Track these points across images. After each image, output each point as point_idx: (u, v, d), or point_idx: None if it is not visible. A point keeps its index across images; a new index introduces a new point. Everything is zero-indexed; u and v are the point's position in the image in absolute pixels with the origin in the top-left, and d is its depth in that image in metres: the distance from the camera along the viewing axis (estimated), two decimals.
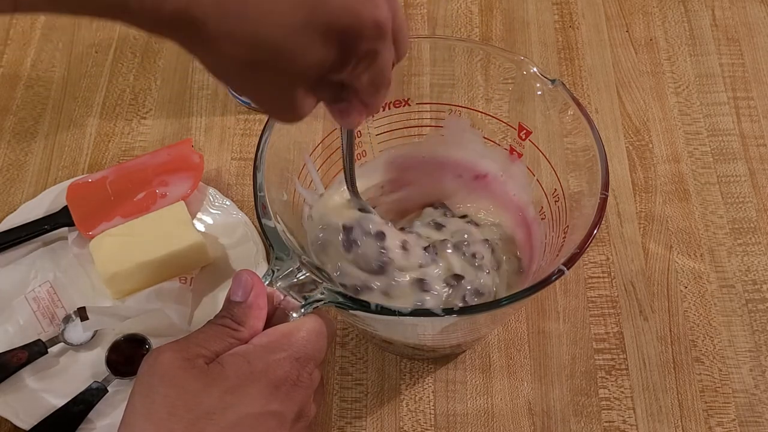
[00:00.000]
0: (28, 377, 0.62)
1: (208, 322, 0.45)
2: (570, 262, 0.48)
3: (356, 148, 0.62)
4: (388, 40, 0.40)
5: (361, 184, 0.63)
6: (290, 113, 0.42)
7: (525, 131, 0.59)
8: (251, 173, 0.52)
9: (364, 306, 0.46)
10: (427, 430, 0.61)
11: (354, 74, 0.41)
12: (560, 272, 0.47)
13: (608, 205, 0.70)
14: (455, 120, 0.61)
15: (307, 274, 0.47)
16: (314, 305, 0.46)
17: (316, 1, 0.36)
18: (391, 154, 0.63)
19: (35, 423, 0.59)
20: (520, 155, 0.60)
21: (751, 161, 0.73)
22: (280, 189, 0.54)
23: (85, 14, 0.36)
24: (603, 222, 0.69)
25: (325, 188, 0.61)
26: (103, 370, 0.61)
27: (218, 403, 0.41)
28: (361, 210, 0.56)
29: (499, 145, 0.61)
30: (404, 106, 0.61)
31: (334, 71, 0.40)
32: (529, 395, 0.62)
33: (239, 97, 0.76)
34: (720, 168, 0.73)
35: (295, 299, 0.46)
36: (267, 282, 0.46)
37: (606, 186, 0.51)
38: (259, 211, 0.49)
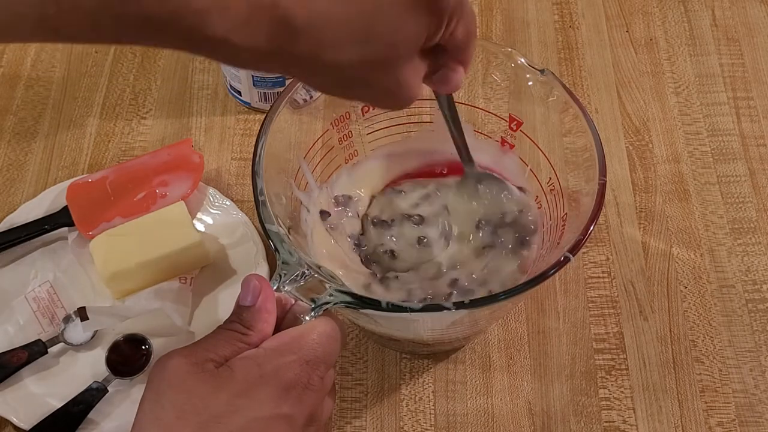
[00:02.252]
0: (28, 377, 0.61)
1: (218, 327, 0.45)
2: (575, 249, 0.48)
3: (348, 148, 0.62)
4: None
5: (354, 185, 0.63)
6: (403, 98, 0.44)
7: (516, 122, 0.59)
8: (251, 173, 0.52)
9: (375, 304, 0.46)
10: (427, 430, 0.61)
11: (450, 31, 0.42)
12: (566, 259, 0.48)
13: (608, 205, 0.70)
14: None
15: (315, 276, 0.46)
16: (323, 307, 0.46)
17: None
18: (383, 151, 0.63)
19: (35, 423, 0.59)
20: (512, 146, 0.60)
21: (751, 161, 0.73)
22: (279, 192, 0.54)
23: (172, 46, 0.37)
24: (603, 222, 0.69)
25: (320, 189, 0.61)
26: (103, 370, 0.61)
27: (227, 407, 0.40)
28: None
29: (489, 137, 0.61)
30: None
31: (431, 38, 0.41)
32: (529, 395, 0.62)
33: (239, 96, 0.76)
34: (720, 168, 0.73)
35: (305, 302, 0.46)
36: (275, 287, 0.46)
37: (603, 172, 0.51)
38: (262, 216, 0.49)
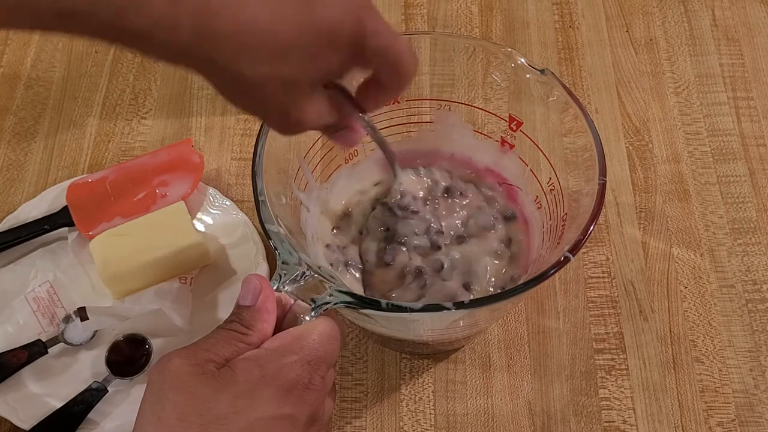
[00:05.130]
0: (28, 377, 0.62)
1: (217, 327, 0.45)
2: (575, 249, 0.48)
3: (348, 148, 0.62)
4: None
5: (354, 185, 0.63)
6: (293, 122, 0.44)
7: (516, 122, 0.59)
8: (251, 173, 0.52)
9: (375, 305, 0.46)
10: (427, 430, 0.61)
11: (374, 65, 0.44)
12: (566, 259, 0.48)
13: (608, 205, 0.70)
14: (445, 115, 0.61)
15: (315, 276, 0.46)
16: (323, 307, 0.46)
17: (312, 14, 0.39)
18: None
19: (35, 423, 0.59)
20: (512, 146, 0.60)
21: (751, 161, 0.73)
22: (279, 192, 0.54)
23: (92, 37, 0.37)
24: (603, 222, 0.69)
25: (320, 189, 0.61)
26: (103, 370, 0.61)
27: (229, 408, 0.40)
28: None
29: (489, 137, 0.61)
30: (394, 104, 0.61)
31: (345, 69, 0.43)
32: (529, 395, 0.62)
33: None
34: (720, 168, 0.73)
35: (305, 302, 0.46)
36: (275, 287, 0.46)
37: (603, 172, 0.51)
38: (262, 216, 0.49)
